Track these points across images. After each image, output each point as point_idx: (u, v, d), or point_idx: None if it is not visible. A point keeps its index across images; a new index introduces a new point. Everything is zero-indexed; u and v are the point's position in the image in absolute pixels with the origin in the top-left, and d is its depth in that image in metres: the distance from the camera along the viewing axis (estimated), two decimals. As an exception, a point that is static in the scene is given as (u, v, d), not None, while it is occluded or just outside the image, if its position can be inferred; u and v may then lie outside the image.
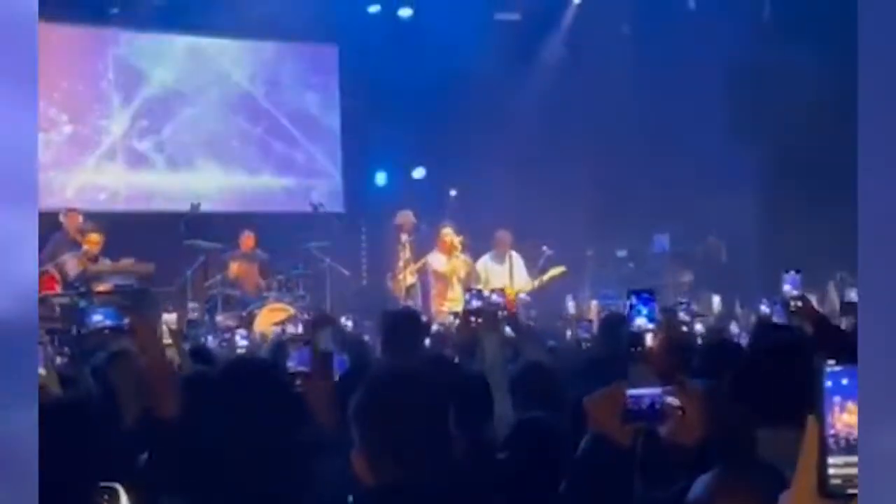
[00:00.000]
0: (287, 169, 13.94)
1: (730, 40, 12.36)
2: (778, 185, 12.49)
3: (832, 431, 1.19)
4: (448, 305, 10.40)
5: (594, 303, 9.96)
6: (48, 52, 11.38)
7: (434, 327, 7.06)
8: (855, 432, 1.18)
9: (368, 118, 13.62)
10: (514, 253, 11.04)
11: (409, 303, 10.36)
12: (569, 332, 7.01)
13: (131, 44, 13.07)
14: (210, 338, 8.09)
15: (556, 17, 14.22)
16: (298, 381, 3.35)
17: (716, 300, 9.03)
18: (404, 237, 11.12)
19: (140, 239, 10.74)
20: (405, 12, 13.87)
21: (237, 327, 7.91)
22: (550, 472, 2.93)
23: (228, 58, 13.62)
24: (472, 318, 4.43)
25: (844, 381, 1.19)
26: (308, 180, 14.00)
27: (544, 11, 14.07)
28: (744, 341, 5.37)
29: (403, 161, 14.17)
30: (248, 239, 11.73)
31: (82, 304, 8.85)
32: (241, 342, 6.01)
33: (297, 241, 11.84)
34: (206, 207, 12.00)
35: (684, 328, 5.25)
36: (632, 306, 3.06)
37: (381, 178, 14.50)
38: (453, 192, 12.87)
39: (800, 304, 4.46)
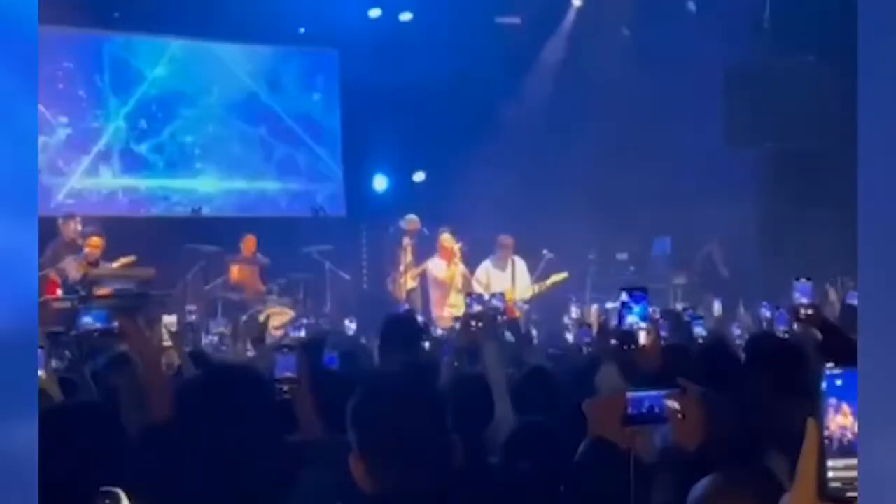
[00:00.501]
0: (288, 173, 13.94)
1: (731, 44, 12.36)
2: (777, 189, 12.48)
3: (834, 435, 1.18)
4: (449, 311, 10.38)
5: (594, 307, 9.93)
6: (46, 55, 11.37)
7: (434, 332, 7.06)
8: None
9: (369, 122, 13.62)
10: (517, 258, 11.00)
11: (410, 307, 10.35)
12: (569, 336, 7.00)
13: (128, 46, 13.07)
14: (206, 341, 8.08)
15: (556, 21, 14.21)
16: (285, 388, 3.32)
17: (716, 304, 9.00)
18: (406, 241, 11.11)
19: (140, 243, 10.72)
20: (406, 16, 13.88)
21: (233, 332, 7.91)
22: (550, 475, 2.92)
23: (229, 61, 13.62)
24: (473, 322, 4.43)
25: (838, 383, 1.19)
26: (309, 184, 14.00)
27: (545, 15, 14.07)
28: (744, 345, 5.35)
29: (404, 165, 14.17)
30: (248, 242, 11.72)
31: (81, 307, 8.83)
32: (234, 347, 6.00)
33: (297, 244, 11.83)
34: (206, 211, 11.99)
35: (685, 331, 5.24)
36: (624, 304, 3.04)
37: (382, 182, 14.51)
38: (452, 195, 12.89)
39: (810, 312, 4.34)
